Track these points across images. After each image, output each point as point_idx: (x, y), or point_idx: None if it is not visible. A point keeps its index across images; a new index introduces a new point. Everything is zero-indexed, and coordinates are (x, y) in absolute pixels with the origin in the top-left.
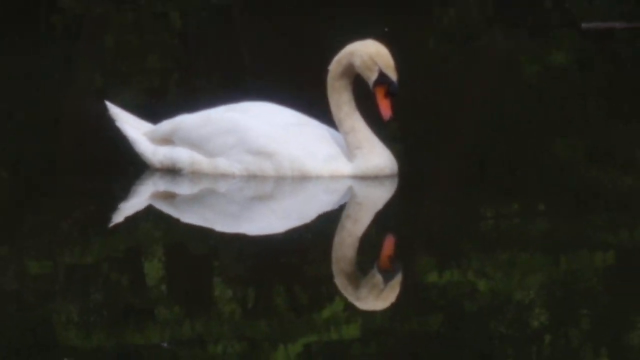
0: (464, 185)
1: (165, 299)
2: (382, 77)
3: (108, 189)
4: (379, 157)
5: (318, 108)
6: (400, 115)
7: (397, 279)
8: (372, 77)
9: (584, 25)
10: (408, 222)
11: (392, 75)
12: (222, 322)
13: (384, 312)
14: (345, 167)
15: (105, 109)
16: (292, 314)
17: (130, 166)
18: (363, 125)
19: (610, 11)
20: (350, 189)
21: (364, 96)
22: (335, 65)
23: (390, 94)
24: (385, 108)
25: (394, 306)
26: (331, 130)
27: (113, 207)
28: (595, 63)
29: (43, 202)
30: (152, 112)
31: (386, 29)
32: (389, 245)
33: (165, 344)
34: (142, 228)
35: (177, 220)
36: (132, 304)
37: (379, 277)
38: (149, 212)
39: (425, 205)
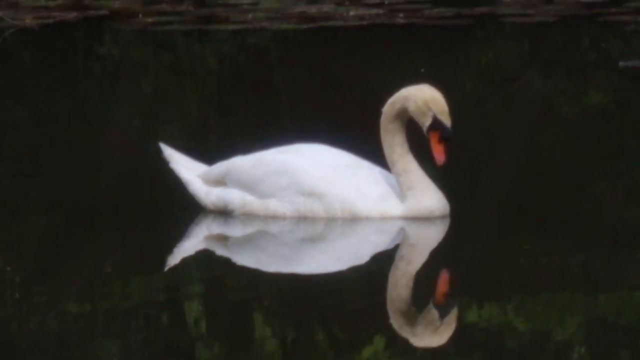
0: (506, 225)
1: (206, 339)
2: (436, 123)
3: (158, 231)
4: (431, 198)
5: (359, 149)
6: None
7: (453, 315)
8: (426, 122)
9: (621, 63)
10: (454, 262)
11: (446, 120)
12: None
13: (424, 352)
14: (396, 208)
15: (158, 151)
16: (332, 353)
17: (175, 208)
18: (416, 166)
19: None
20: (401, 230)
21: (417, 137)
22: (389, 108)
23: (443, 139)
24: (438, 153)
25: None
26: (383, 171)
27: (165, 249)
28: (633, 101)
29: (86, 244)
30: (192, 154)
31: (422, 70)
32: (444, 281)
33: None
34: (190, 270)
35: (226, 262)
36: (174, 344)
37: (434, 313)
38: (199, 254)
39: (470, 245)
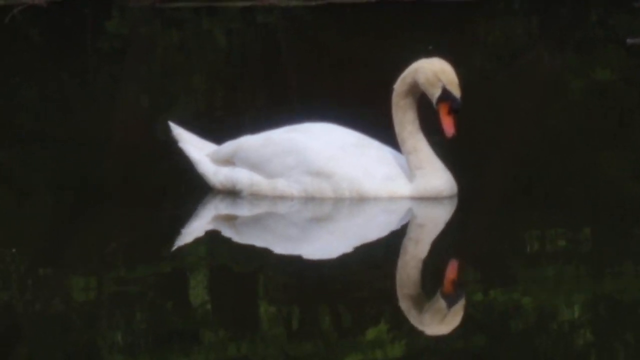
0: (513, 204)
1: (211, 321)
2: (445, 94)
3: (166, 211)
4: (439, 178)
5: (368, 127)
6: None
7: (461, 304)
8: (435, 93)
9: (629, 40)
10: (462, 243)
11: (456, 91)
12: (267, 344)
13: (429, 334)
14: (404, 187)
15: (167, 129)
16: (337, 335)
17: (183, 187)
18: (426, 145)
19: None
20: (409, 210)
21: (429, 118)
22: (400, 83)
23: (453, 110)
24: (448, 125)
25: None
26: (392, 150)
27: (172, 230)
28: None
29: (96, 224)
30: (200, 133)
31: (430, 47)
32: (452, 269)
33: None
34: (197, 251)
35: (233, 243)
36: (179, 327)
37: (442, 302)
38: (207, 235)
39: (477, 224)
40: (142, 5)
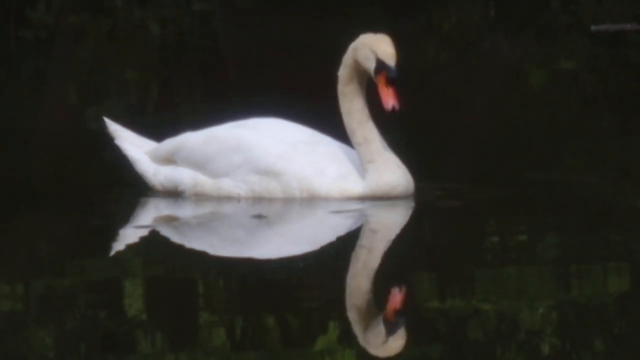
0: (471, 203)
1: (147, 330)
2: (380, 64)
3: (102, 213)
4: (391, 173)
5: (315, 121)
6: (400, 125)
7: (400, 333)
8: (371, 66)
9: (593, 27)
10: (415, 246)
11: (390, 61)
12: (209, 353)
13: None
14: (356, 186)
15: (99, 125)
16: (284, 344)
17: (117, 187)
18: (377, 136)
19: (621, 12)
20: (362, 210)
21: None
22: (343, 67)
23: (389, 80)
24: (386, 96)
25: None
26: (343, 146)
27: (108, 232)
28: (605, 68)
29: (22, 226)
30: (133, 129)
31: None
32: (395, 298)
33: None
34: (135, 254)
35: (175, 246)
36: (112, 334)
37: (382, 329)
38: (146, 238)
39: (433, 225)
40: None
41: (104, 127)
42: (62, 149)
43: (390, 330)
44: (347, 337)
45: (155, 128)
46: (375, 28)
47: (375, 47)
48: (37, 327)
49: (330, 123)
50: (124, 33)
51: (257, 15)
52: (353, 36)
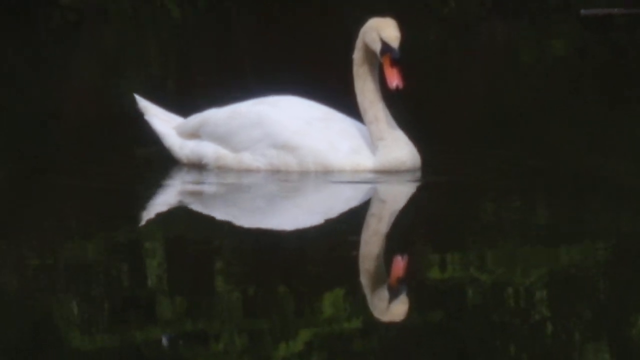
0: (470, 178)
1: (167, 295)
2: (385, 46)
3: (131, 184)
4: (401, 149)
5: (326, 98)
6: (401, 105)
7: (402, 299)
8: (377, 48)
9: (582, 11)
10: (419, 217)
11: (393, 43)
12: (224, 318)
13: None
14: (367, 161)
15: (124, 102)
16: (294, 308)
17: (142, 160)
18: (387, 115)
19: None
20: (373, 183)
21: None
22: (356, 51)
23: (394, 61)
24: (391, 76)
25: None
26: (357, 123)
27: (137, 202)
28: (594, 50)
29: (56, 196)
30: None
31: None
32: (398, 265)
33: (165, 339)
34: (159, 224)
35: (196, 215)
36: (132, 298)
37: (387, 294)
38: (172, 208)
39: (431, 199)
40: None
41: (134, 103)
42: (89, 124)
43: (393, 297)
44: (356, 303)
45: (175, 104)
46: (379, 11)
47: (380, 30)
48: (63, 290)
49: (344, 102)
50: (145, 14)
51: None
52: (360, 18)
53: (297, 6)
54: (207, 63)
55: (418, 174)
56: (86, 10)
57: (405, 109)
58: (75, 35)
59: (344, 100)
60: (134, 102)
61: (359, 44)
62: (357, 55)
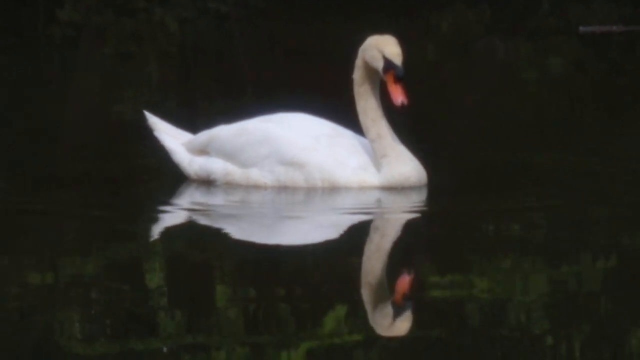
0: (469, 194)
1: (168, 308)
2: (387, 63)
3: (139, 200)
4: (404, 165)
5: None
6: (401, 122)
7: (407, 315)
8: (379, 65)
9: (581, 28)
10: (421, 233)
11: (396, 60)
12: (225, 334)
13: None
14: (373, 177)
15: (125, 118)
16: (295, 320)
17: (146, 175)
18: (390, 132)
19: (608, 15)
20: (378, 200)
21: (392, 106)
22: (356, 70)
23: (397, 78)
24: (395, 93)
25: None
26: (364, 140)
27: (145, 217)
28: (592, 67)
29: (62, 210)
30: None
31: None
32: (404, 280)
33: (165, 349)
34: (160, 239)
35: (206, 230)
36: (134, 313)
37: (390, 310)
38: (180, 223)
39: (436, 215)
40: None
41: (140, 118)
42: (89, 140)
43: (396, 313)
44: (357, 315)
45: (175, 122)
46: (378, 30)
47: (382, 48)
48: (64, 303)
49: (348, 119)
50: (146, 32)
51: (269, 18)
52: (360, 37)
53: (299, 24)
54: (208, 80)
55: (423, 191)
56: (85, 27)
57: (405, 127)
58: (75, 51)
59: (347, 117)
60: (138, 118)
61: (358, 63)
62: (357, 74)
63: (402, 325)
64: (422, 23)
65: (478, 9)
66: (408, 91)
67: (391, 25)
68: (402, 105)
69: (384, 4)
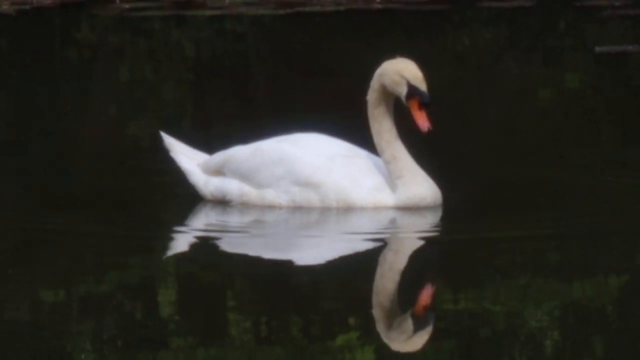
0: (484, 213)
1: (180, 327)
2: (412, 89)
3: (155, 220)
4: (420, 186)
5: (341, 135)
6: (417, 144)
7: (428, 329)
8: (402, 92)
9: (597, 48)
10: (436, 251)
11: (422, 86)
12: (236, 349)
13: None
14: (388, 198)
15: (140, 138)
16: (306, 340)
17: (159, 195)
18: (405, 153)
19: (624, 35)
20: (393, 220)
21: (406, 126)
22: (371, 92)
23: (423, 104)
24: (421, 120)
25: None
26: (379, 160)
27: (158, 237)
28: (608, 86)
29: (78, 232)
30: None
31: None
32: (426, 293)
33: None
34: (171, 259)
35: (220, 251)
36: (146, 334)
37: (410, 323)
38: (194, 243)
39: (451, 233)
40: (110, 15)
41: (156, 139)
42: (105, 160)
43: (419, 326)
44: (368, 334)
45: (192, 142)
46: (389, 51)
47: (404, 73)
48: (77, 325)
49: (350, 136)
50: (161, 52)
51: (286, 39)
52: (377, 58)
53: (315, 44)
54: (224, 101)
55: (438, 211)
56: (101, 47)
57: (421, 145)
58: (91, 72)
59: (363, 137)
60: (155, 138)
61: (374, 86)
62: (372, 97)
63: (415, 342)
64: (439, 44)
65: (494, 29)
66: (430, 114)
67: (406, 45)
68: (428, 131)
69: (401, 26)
